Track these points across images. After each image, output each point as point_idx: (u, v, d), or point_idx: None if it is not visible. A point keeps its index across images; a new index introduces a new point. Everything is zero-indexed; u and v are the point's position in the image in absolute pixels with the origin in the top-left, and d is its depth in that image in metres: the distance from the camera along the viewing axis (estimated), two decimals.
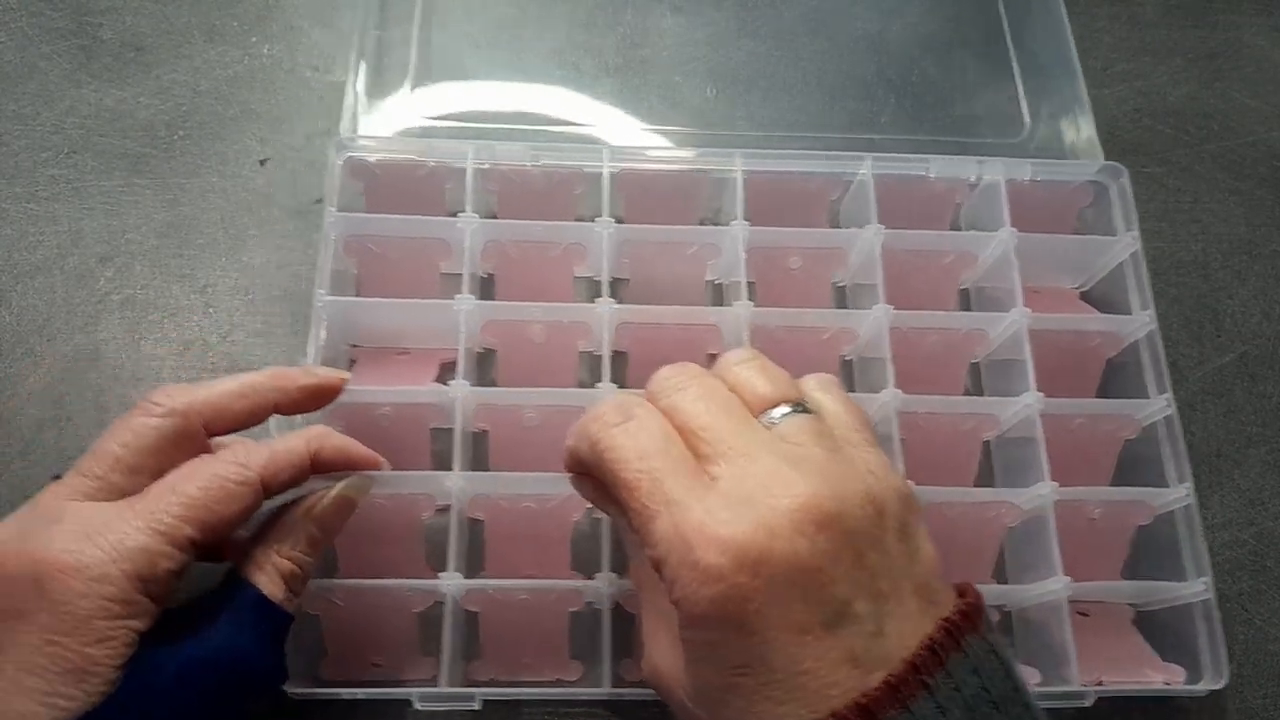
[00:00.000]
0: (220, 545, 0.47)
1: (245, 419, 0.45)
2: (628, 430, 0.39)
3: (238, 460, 0.43)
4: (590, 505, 0.48)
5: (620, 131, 0.67)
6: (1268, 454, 0.61)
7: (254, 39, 0.69)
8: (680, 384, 0.41)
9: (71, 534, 0.39)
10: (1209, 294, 0.65)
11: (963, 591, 0.38)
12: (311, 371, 0.48)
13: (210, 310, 0.61)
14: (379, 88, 0.65)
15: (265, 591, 0.43)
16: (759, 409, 0.40)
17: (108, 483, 0.42)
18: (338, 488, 0.47)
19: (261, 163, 0.65)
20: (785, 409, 0.39)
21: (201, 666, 0.41)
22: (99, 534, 0.39)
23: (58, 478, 0.43)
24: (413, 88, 0.66)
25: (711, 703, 0.37)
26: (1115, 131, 0.65)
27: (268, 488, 0.43)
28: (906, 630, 0.35)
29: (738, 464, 0.37)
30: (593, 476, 0.42)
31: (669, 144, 0.66)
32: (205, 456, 0.43)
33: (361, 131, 0.63)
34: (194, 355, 0.60)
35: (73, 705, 0.37)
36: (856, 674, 0.34)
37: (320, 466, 0.46)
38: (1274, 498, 0.60)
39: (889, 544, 0.37)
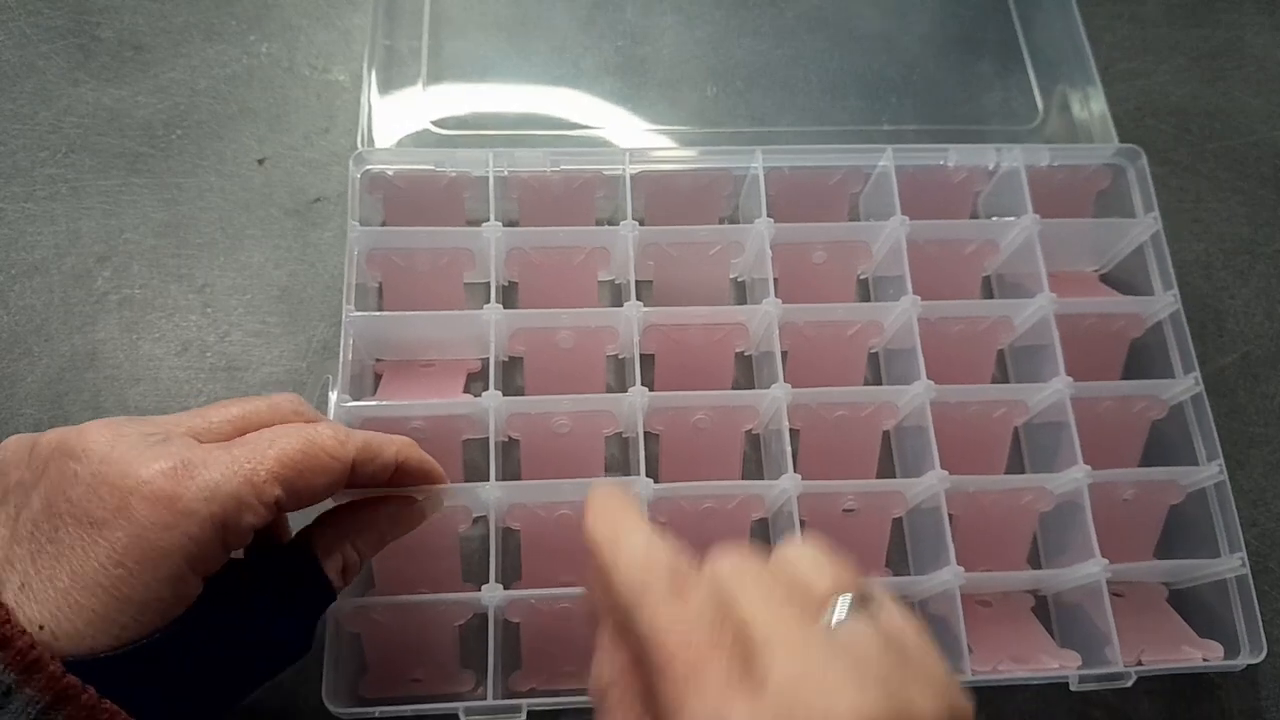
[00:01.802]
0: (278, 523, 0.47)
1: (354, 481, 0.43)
2: (676, 613, 0.33)
3: (337, 435, 0.41)
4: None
5: (622, 131, 0.67)
6: (1270, 454, 0.61)
7: (252, 38, 0.68)
8: (739, 570, 0.34)
9: (173, 461, 0.37)
10: (1211, 294, 0.65)
11: None
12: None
13: (208, 310, 0.61)
14: (388, 96, 0.65)
15: (329, 576, 0.43)
16: (819, 606, 0.33)
17: (214, 430, 0.41)
18: (423, 500, 0.47)
19: (260, 162, 0.65)
20: (846, 603, 0.33)
21: (254, 632, 0.40)
22: (198, 469, 0.37)
23: None
24: (422, 93, 0.66)
25: None
26: (1117, 130, 0.66)
27: (354, 476, 0.42)
28: None
29: (793, 665, 0.31)
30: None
31: (678, 144, 0.66)
32: (299, 424, 0.42)
33: (374, 135, 0.63)
34: (192, 355, 0.59)
35: (121, 635, 0.35)
36: None
37: (400, 476, 0.45)
38: (1276, 498, 0.60)
39: None
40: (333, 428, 0.41)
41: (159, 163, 0.64)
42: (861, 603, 0.34)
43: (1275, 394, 0.63)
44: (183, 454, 0.37)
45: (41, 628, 0.35)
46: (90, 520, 0.36)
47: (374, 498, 0.46)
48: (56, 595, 0.35)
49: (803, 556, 0.35)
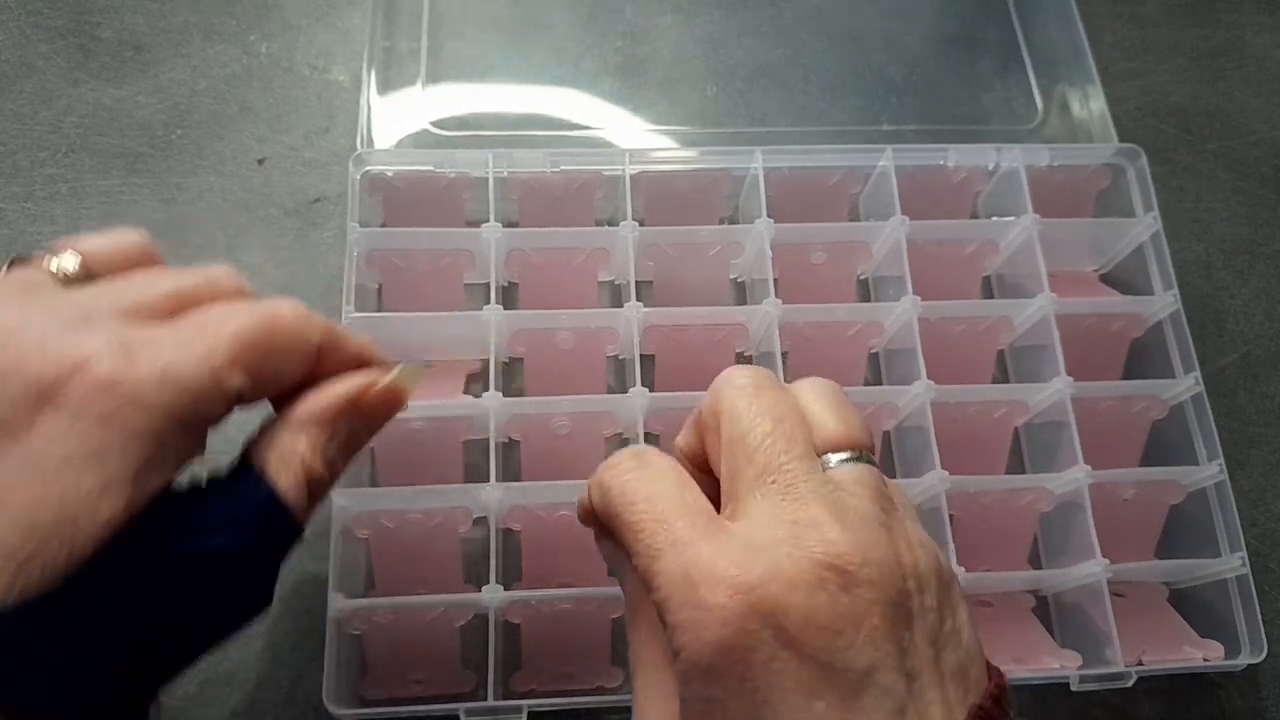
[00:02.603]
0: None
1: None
2: (639, 475, 0.34)
3: (299, 311, 0.34)
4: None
5: (623, 131, 0.66)
6: (1270, 454, 0.61)
7: (252, 38, 0.68)
8: (748, 388, 0.35)
9: (106, 340, 0.29)
10: (1211, 294, 0.65)
11: (990, 673, 0.33)
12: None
13: None
14: (388, 97, 0.65)
15: (281, 492, 0.33)
16: (823, 448, 0.34)
17: (146, 308, 0.32)
18: (391, 374, 0.38)
19: (259, 162, 0.64)
20: (848, 454, 0.34)
21: (192, 571, 0.31)
22: (139, 349, 0.30)
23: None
24: (422, 94, 0.66)
25: None
26: (1117, 130, 0.66)
27: (318, 365, 0.36)
28: (936, 716, 0.30)
29: (774, 500, 0.32)
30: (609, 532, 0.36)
31: (678, 144, 0.66)
32: (258, 301, 0.35)
33: (373, 136, 0.63)
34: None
35: (21, 578, 0.27)
36: None
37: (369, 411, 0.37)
38: (1276, 498, 0.60)
39: (926, 621, 0.31)
40: (293, 304, 0.34)
41: (159, 163, 0.64)
42: (865, 454, 0.34)
43: (1275, 394, 0.63)
44: (117, 333, 0.30)
45: None
46: (2, 427, 0.28)
47: (328, 383, 0.36)
48: None
49: (819, 395, 0.36)
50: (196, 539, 0.31)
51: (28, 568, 0.27)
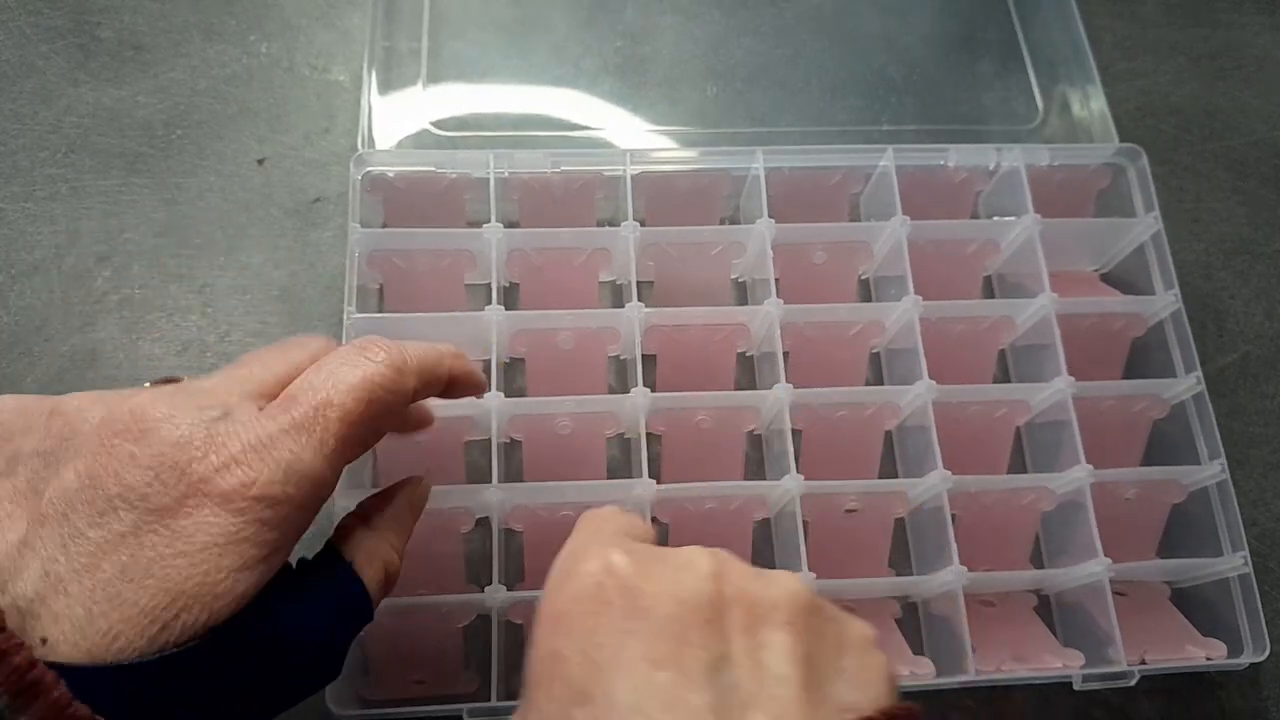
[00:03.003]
0: None
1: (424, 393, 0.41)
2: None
3: (393, 363, 0.37)
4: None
5: (623, 131, 0.66)
6: (1270, 454, 0.61)
7: (252, 38, 0.68)
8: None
9: (242, 443, 0.34)
10: (1211, 294, 0.65)
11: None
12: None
13: (208, 310, 0.60)
14: (388, 97, 0.65)
15: (369, 588, 0.39)
16: None
17: (266, 393, 0.37)
18: (425, 477, 0.44)
19: (259, 162, 0.64)
20: None
21: (289, 651, 0.35)
22: (268, 449, 0.34)
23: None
24: (422, 94, 0.66)
25: None
26: (1117, 130, 0.66)
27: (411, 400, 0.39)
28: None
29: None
30: None
31: (678, 144, 0.66)
32: (342, 351, 0.38)
33: (374, 136, 0.63)
34: (192, 355, 0.59)
35: (161, 636, 0.31)
36: None
37: (451, 390, 0.42)
38: (1276, 498, 0.60)
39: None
40: (388, 355, 0.37)
41: (159, 163, 0.64)
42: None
43: (1275, 394, 0.63)
44: (248, 431, 0.34)
45: (45, 641, 0.31)
46: (150, 506, 0.32)
47: (398, 492, 0.43)
48: (95, 586, 0.31)
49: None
50: (298, 621, 0.36)
51: (170, 628, 0.31)
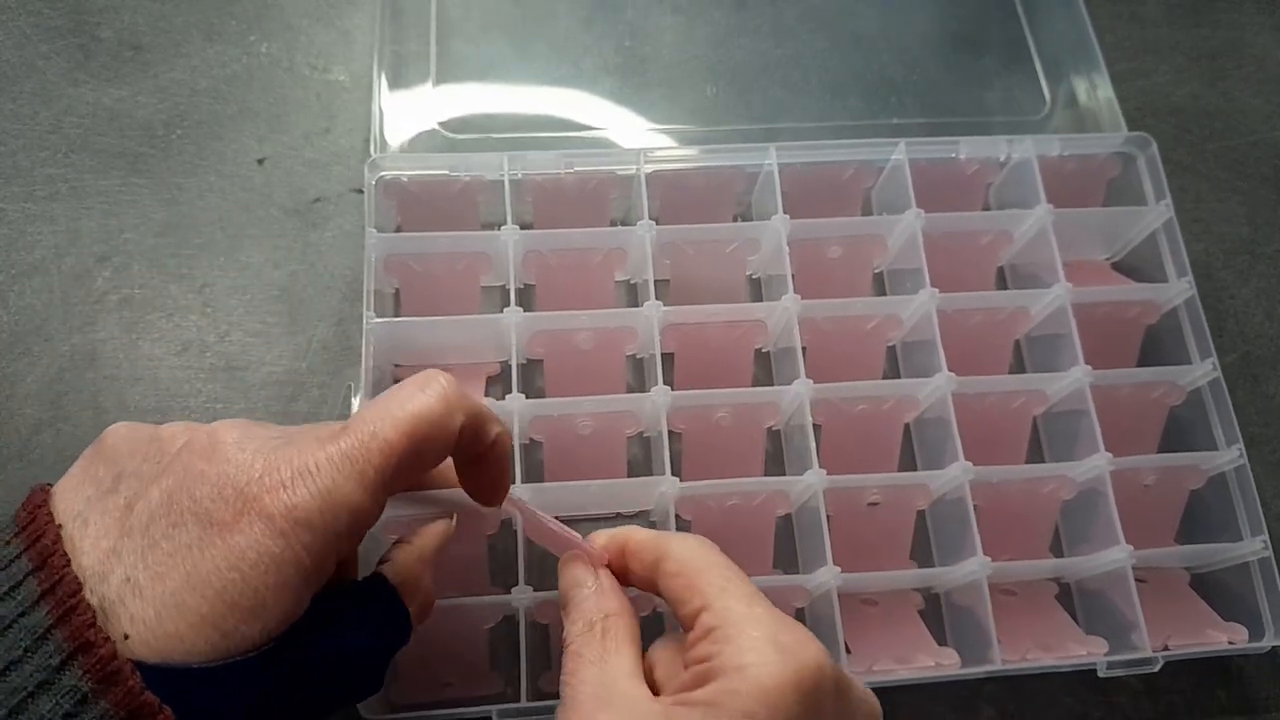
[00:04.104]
0: None
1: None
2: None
3: (446, 396, 0.39)
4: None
5: (630, 131, 0.66)
6: (1270, 454, 0.62)
7: (252, 38, 0.68)
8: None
9: (292, 469, 0.36)
10: (1211, 294, 0.65)
11: None
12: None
13: (208, 310, 0.60)
14: (396, 99, 0.65)
15: (411, 613, 0.41)
16: None
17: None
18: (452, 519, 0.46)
19: (259, 162, 0.64)
20: None
21: (336, 666, 0.38)
22: (314, 477, 0.36)
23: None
24: (431, 95, 0.66)
25: None
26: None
27: (455, 445, 0.40)
28: None
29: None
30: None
31: (688, 142, 0.66)
32: (406, 383, 0.39)
33: (385, 138, 0.63)
34: (192, 355, 0.59)
35: (220, 645, 0.34)
36: None
37: (485, 462, 0.43)
38: (1276, 499, 0.60)
39: None
40: (442, 390, 0.39)
41: (159, 163, 0.64)
42: None
43: (1275, 394, 0.63)
44: (299, 458, 0.36)
45: (127, 637, 0.33)
46: (211, 521, 0.35)
47: (437, 529, 0.45)
48: (164, 592, 0.34)
49: None
50: (346, 639, 0.38)
51: (230, 637, 0.34)
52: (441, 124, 0.64)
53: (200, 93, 0.66)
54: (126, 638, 0.33)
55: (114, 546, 0.35)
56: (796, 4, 0.72)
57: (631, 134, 0.66)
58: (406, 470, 0.38)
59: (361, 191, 0.62)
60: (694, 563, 0.41)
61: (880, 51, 0.70)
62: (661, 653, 0.41)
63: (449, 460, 0.43)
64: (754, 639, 0.37)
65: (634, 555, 0.43)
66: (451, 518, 0.46)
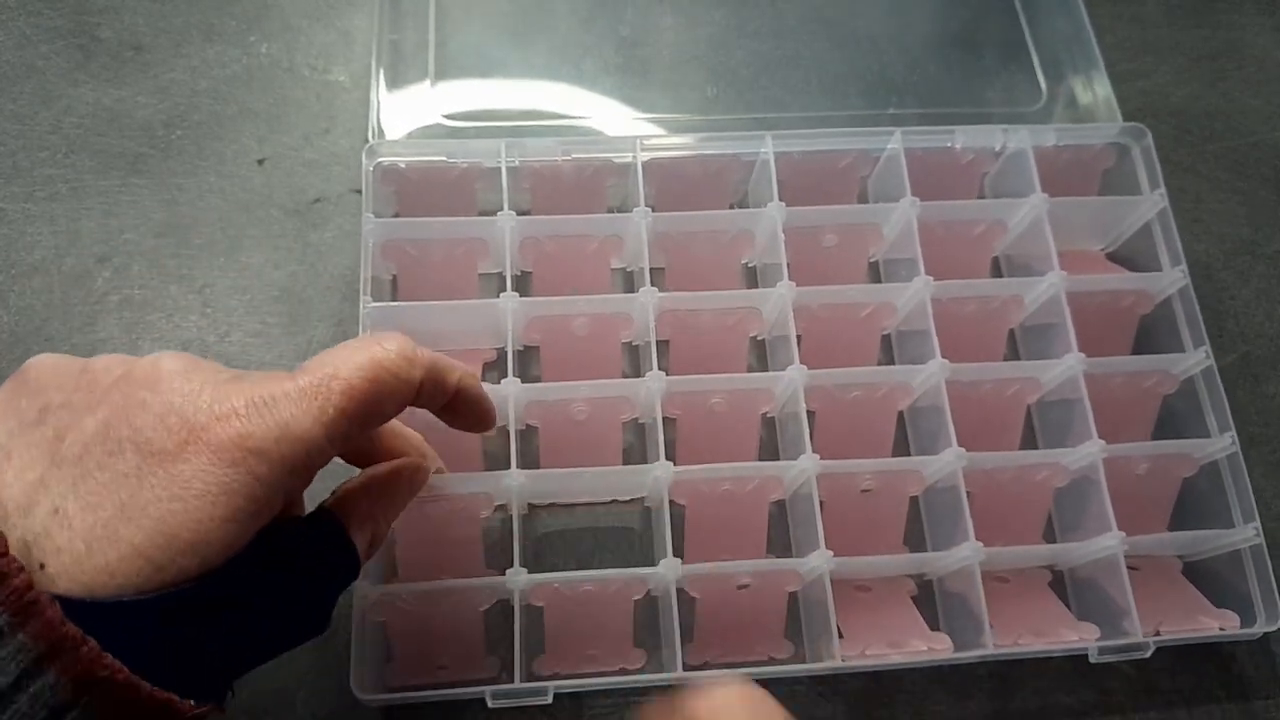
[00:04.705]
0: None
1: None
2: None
3: (404, 352, 0.39)
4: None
5: (623, 125, 0.67)
6: (1270, 454, 0.61)
7: (252, 38, 0.68)
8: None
9: (245, 399, 0.35)
10: (1211, 294, 0.65)
11: None
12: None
13: (208, 310, 0.61)
14: (396, 92, 0.65)
15: (358, 548, 0.41)
16: None
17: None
18: (429, 464, 0.47)
19: (259, 162, 0.65)
20: None
21: (279, 600, 0.38)
22: (269, 407, 0.35)
23: None
24: (430, 89, 0.66)
25: None
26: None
27: (416, 396, 0.40)
28: None
29: None
30: None
31: (685, 132, 0.66)
32: (359, 338, 0.40)
33: (384, 128, 0.63)
34: (192, 354, 0.58)
35: (153, 577, 0.33)
36: None
37: (457, 403, 0.43)
38: (1276, 499, 0.60)
39: None
40: (398, 343, 0.39)
41: (159, 163, 0.64)
42: None
43: (1275, 394, 0.63)
44: (254, 390, 0.36)
45: (43, 566, 0.32)
46: (153, 450, 0.34)
47: (393, 468, 0.45)
48: (96, 523, 0.33)
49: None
50: (288, 574, 0.38)
51: (164, 570, 0.33)
52: (446, 116, 0.65)
53: (200, 93, 0.66)
54: (43, 567, 0.32)
55: (40, 478, 0.34)
56: (796, 5, 0.72)
57: (631, 127, 0.67)
58: (365, 415, 0.37)
59: (361, 192, 0.62)
60: None
61: (880, 51, 0.71)
62: None
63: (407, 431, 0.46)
64: None
65: None
66: (423, 459, 0.46)
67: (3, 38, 0.67)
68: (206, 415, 0.34)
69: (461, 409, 0.44)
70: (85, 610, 0.31)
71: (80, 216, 0.62)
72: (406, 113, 0.64)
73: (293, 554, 0.38)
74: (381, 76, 0.65)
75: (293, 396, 0.36)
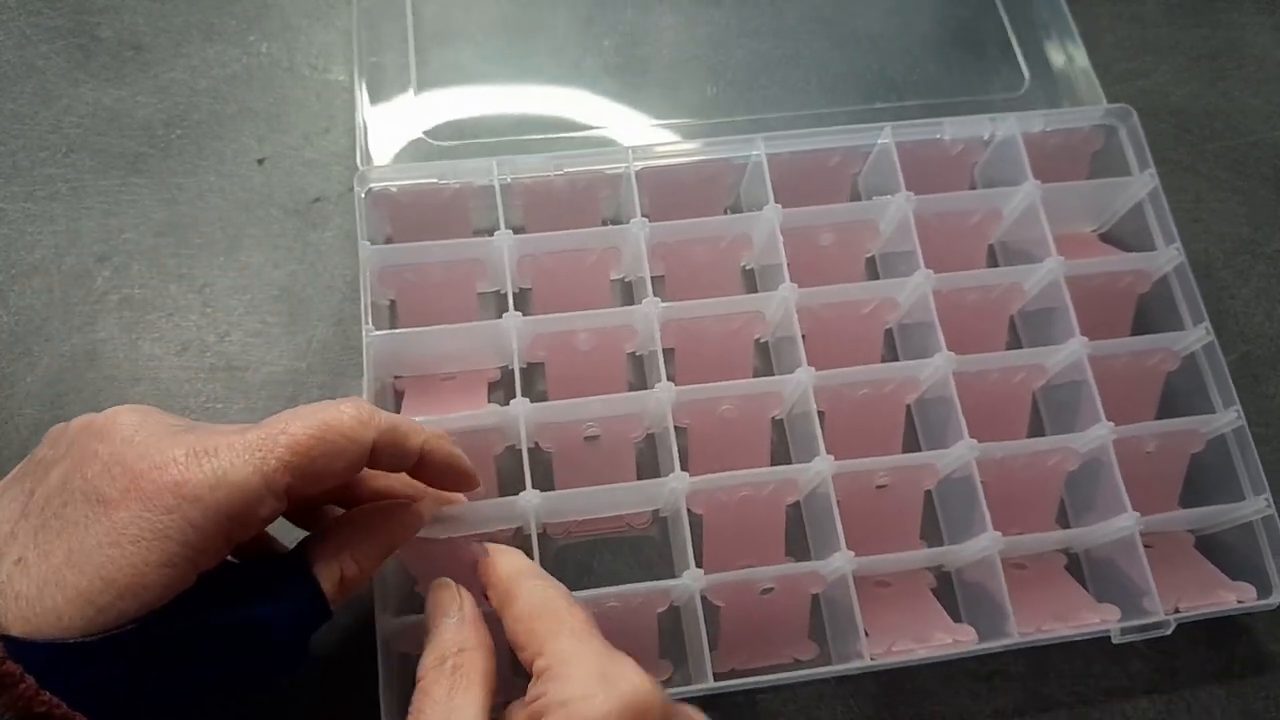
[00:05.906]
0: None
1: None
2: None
3: (358, 415, 0.40)
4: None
5: (620, 130, 0.66)
6: (1270, 454, 0.61)
7: (252, 38, 0.68)
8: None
9: (186, 448, 0.37)
10: (1211, 294, 0.65)
11: None
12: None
13: (208, 310, 0.60)
14: (380, 109, 0.64)
15: (324, 589, 0.41)
16: None
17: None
18: (424, 505, 0.47)
19: (259, 162, 0.64)
20: None
21: (235, 641, 0.38)
22: (207, 456, 0.37)
23: None
24: (413, 103, 0.65)
25: None
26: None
27: (374, 459, 0.41)
28: None
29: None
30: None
31: (677, 136, 0.66)
32: (322, 404, 0.41)
33: (370, 151, 0.62)
34: (192, 355, 0.59)
35: (99, 619, 0.34)
36: None
37: (424, 467, 0.44)
38: (1276, 498, 0.59)
39: None
40: (355, 406, 0.40)
41: (159, 163, 0.64)
42: None
43: (1275, 394, 0.64)
44: (198, 441, 0.37)
45: (5, 613, 0.34)
46: (99, 498, 0.36)
47: (374, 507, 0.45)
48: (48, 570, 0.35)
49: None
50: (245, 615, 0.39)
51: (106, 612, 0.34)
52: (428, 132, 0.64)
53: (200, 93, 0.66)
54: (5, 613, 0.34)
55: (12, 530, 0.36)
56: (796, 5, 0.72)
57: (627, 133, 0.66)
58: (310, 472, 0.38)
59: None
60: (535, 608, 0.41)
61: (881, 51, 0.71)
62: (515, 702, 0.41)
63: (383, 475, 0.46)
64: (579, 675, 0.38)
65: (490, 589, 0.44)
66: (409, 508, 0.46)
67: (3, 38, 0.66)
68: (146, 464, 0.36)
69: (431, 473, 0.44)
70: (29, 649, 0.33)
71: (80, 216, 0.61)
72: (392, 130, 0.64)
73: (247, 593, 0.39)
74: (365, 95, 0.64)
75: (236, 448, 0.37)
